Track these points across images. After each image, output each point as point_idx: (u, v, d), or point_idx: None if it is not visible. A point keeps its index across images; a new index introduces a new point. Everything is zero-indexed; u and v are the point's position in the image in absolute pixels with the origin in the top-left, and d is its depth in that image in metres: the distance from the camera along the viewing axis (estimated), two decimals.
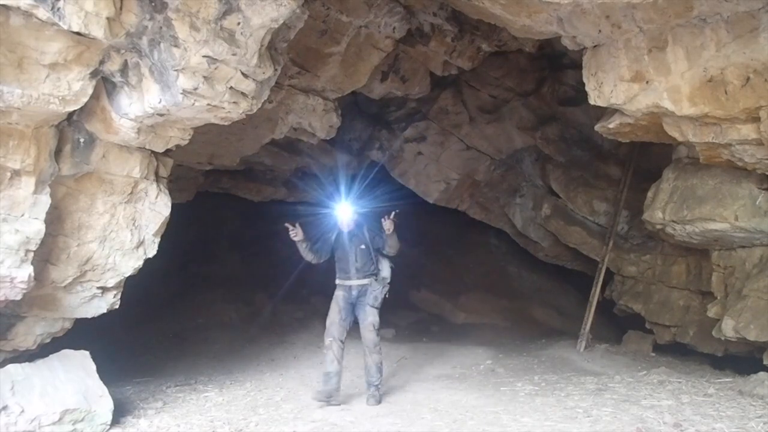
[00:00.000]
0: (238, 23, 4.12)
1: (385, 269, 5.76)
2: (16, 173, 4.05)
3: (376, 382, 5.46)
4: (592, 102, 5.48)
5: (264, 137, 7.34)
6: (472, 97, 9.31)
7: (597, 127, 6.08)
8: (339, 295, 5.60)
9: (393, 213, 5.47)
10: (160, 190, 5.10)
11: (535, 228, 9.75)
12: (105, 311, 5.06)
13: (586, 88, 5.47)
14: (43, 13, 3.47)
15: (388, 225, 5.46)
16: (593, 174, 8.83)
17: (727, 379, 5.74)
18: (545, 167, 9.31)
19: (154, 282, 7.64)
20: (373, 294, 5.54)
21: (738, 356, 6.51)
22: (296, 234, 5.43)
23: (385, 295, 5.62)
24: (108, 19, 3.73)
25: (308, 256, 5.59)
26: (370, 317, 5.54)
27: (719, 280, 6.39)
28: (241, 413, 5.03)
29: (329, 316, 5.56)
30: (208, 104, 4.35)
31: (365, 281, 5.58)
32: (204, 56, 4.05)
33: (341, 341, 5.46)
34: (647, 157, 7.97)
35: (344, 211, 5.64)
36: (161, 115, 4.40)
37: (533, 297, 10.98)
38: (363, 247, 5.61)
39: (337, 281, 5.66)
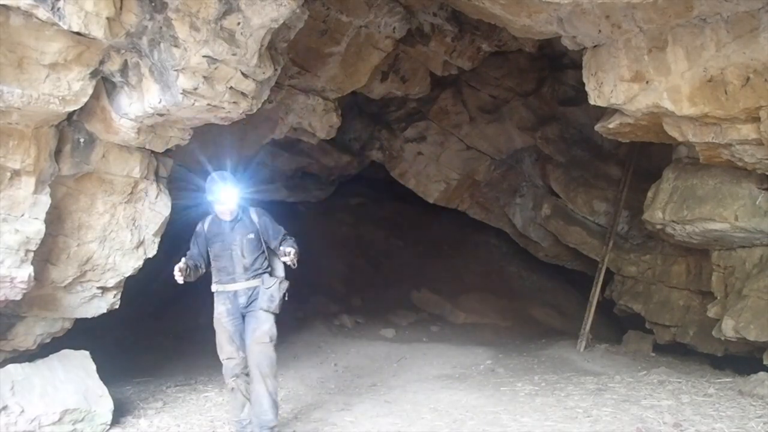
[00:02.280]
0: (238, 23, 4.12)
1: (279, 268, 4.37)
2: (16, 173, 4.05)
3: (272, 424, 4.04)
4: (592, 102, 5.48)
5: (264, 137, 7.34)
6: (472, 97, 9.31)
7: (597, 127, 6.08)
8: (221, 311, 4.18)
9: (295, 257, 4.10)
10: (160, 190, 5.10)
11: (535, 228, 9.75)
12: (105, 311, 5.07)
13: (586, 88, 5.47)
14: (43, 13, 3.47)
15: (287, 260, 4.15)
16: (593, 174, 8.83)
17: (727, 379, 5.74)
18: (545, 167, 9.30)
19: (155, 282, 7.63)
20: (267, 293, 4.11)
21: (738, 356, 6.50)
22: (186, 275, 4.07)
23: (284, 295, 4.18)
24: (108, 19, 3.73)
25: (198, 274, 4.27)
26: (264, 325, 4.09)
27: (719, 280, 6.39)
28: None
29: (221, 348, 4.20)
30: (208, 104, 4.35)
31: (255, 282, 4.18)
32: (204, 56, 4.05)
33: (246, 374, 4.17)
34: (647, 157, 7.97)
35: (227, 195, 4.13)
36: (161, 115, 4.40)
37: (533, 297, 10.96)
38: (251, 236, 4.18)
39: (216, 287, 4.25)
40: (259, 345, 4.09)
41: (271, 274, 4.27)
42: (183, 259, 4.13)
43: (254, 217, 4.27)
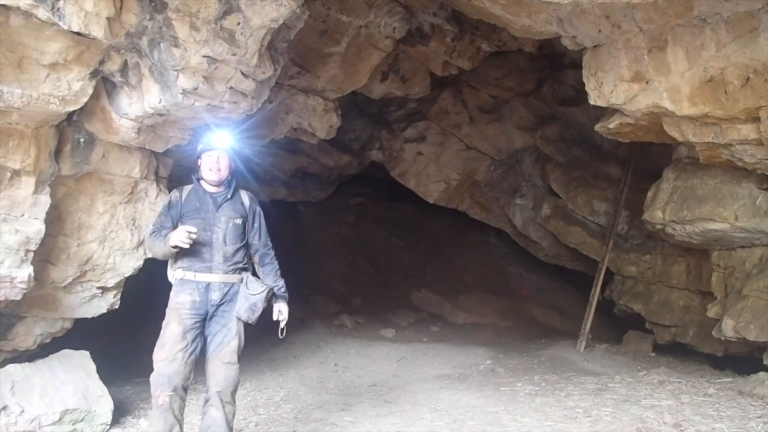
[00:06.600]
0: (238, 23, 4.12)
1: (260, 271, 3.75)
2: (16, 173, 4.05)
3: None
4: (592, 102, 5.48)
5: (264, 137, 7.34)
6: (472, 97, 9.32)
7: (597, 127, 6.08)
8: (184, 301, 3.39)
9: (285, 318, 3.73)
10: (160, 190, 5.10)
11: (535, 228, 9.76)
12: (105, 311, 5.06)
13: (586, 88, 5.47)
14: (43, 13, 3.47)
15: (276, 316, 3.72)
16: (593, 174, 8.83)
17: (727, 379, 5.74)
18: (545, 167, 9.31)
19: (155, 282, 7.64)
20: (251, 300, 3.40)
21: (738, 356, 6.51)
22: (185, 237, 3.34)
23: (265, 304, 3.50)
24: (108, 19, 3.73)
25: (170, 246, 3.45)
26: (234, 341, 3.45)
27: (719, 280, 6.39)
28: (241, 413, 5.03)
29: (163, 346, 3.33)
30: (208, 104, 4.35)
31: (234, 278, 3.49)
32: (204, 56, 4.05)
33: (185, 390, 3.36)
34: (647, 157, 7.97)
35: (220, 138, 3.65)
36: (161, 115, 4.40)
37: (533, 297, 10.98)
38: (238, 221, 3.53)
39: (182, 273, 3.47)
40: (224, 366, 3.42)
41: (253, 273, 3.60)
42: (183, 229, 3.37)
43: (245, 200, 3.63)
